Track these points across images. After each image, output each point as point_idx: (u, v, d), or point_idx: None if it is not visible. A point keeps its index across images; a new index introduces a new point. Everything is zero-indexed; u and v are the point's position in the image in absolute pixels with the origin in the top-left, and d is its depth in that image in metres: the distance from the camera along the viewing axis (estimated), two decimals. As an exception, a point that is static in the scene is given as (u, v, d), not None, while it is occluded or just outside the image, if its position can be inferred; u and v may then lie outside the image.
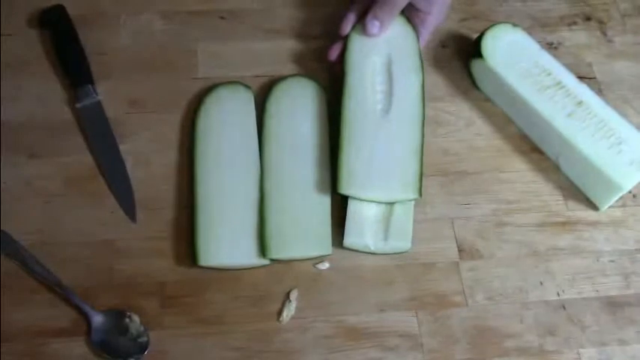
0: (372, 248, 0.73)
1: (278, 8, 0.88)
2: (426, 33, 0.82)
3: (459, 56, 0.86)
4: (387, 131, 0.74)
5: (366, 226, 0.73)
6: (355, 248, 0.73)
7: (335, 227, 0.73)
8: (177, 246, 0.72)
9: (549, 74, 0.79)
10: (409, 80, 0.78)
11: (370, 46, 0.79)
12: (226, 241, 0.71)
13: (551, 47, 0.87)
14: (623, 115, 0.78)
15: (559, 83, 0.78)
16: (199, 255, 0.70)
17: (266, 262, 0.71)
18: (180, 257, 0.71)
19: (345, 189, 0.72)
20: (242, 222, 0.72)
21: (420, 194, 0.73)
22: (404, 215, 0.74)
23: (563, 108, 0.77)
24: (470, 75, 0.84)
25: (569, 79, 0.79)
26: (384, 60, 0.78)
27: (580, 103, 0.77)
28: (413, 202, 0.75)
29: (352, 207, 0.73)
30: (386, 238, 0.73)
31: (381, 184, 0.72)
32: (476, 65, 0.82)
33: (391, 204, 0.74)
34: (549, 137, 0.78)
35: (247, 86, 0.80)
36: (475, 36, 0.84)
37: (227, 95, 0.79)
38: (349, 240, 0.72)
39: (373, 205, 0.74)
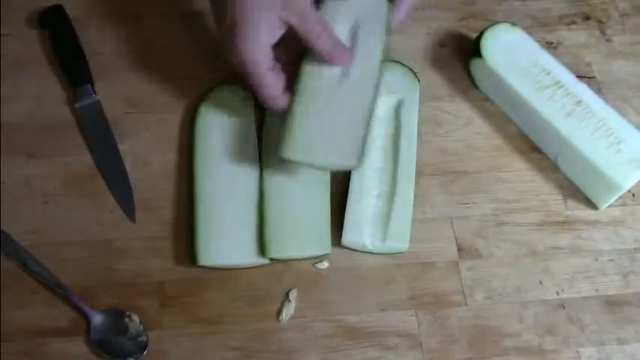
0: (370, 248, 0.73)
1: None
2: (406, 4, 0.78)
3: (457, 56, 0.86)
4: (341, 97, 0.71)
5: (364, 225, 0.73)
6: (353, 247, 0.73)
7: (334, 227, 0.73)
8: (177, 246, 0.72)
9: (548, 73, 0.79)
10: (370, 46, 0.74)
11: (339, 12, 0.74)
12: (225, 241, 0.71)
13: (550, 47, 0.87)
14: (623, 114, 0.78)
15: (558, 82, 0.78)
16: (199, 255, 0.70)
17: (265, 261, 0.71)
18: (180, 257, 0.71)
19: (284, 152, 0.69)
20: (241, 222, 0.72)
21: (359, 163, 0.69)
22: (402, 215, 0.74)
23: (562, 107, 0.77)
24: (469, 74, 0.84)
25: (569, 79, 0.79)
26: (351, 25, 0.74)
27: (579, 102, 0.77)
28: (412, 202, 0.75)
29: (351, 206, 0.74)
30: (384, 237, 0.73)
31: (320, 150, 0.69)
32: (475, 65, 0.82)
33: (390, 202, 0.74)
34: (548, 136, 0.78)
35: (247, 86, 0.80)
36: (474, 35, 0.84)
37: (226, 95, 0.79)
38: (347, 239, 0.72)
39: (372, 204, 0.74)
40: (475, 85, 0.84)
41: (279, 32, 0.69)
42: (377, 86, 0.73)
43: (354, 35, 0.74)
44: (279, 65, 0.71)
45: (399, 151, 0.77)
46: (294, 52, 0.72)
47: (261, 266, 0.72)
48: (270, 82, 0.69)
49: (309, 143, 0.69)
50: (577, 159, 0.76)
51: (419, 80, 0.82)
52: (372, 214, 0.75)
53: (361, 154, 0.70)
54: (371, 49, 0.74)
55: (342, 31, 0.72)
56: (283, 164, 0.71)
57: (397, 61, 0.83)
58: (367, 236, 0.73)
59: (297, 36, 0.69)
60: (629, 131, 0.76)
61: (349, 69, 0.72)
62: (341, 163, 0.70)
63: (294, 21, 0.68)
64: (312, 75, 0.71)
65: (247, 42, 0.67)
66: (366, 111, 0.71)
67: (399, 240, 0.73)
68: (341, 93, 0.71)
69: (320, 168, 0.71)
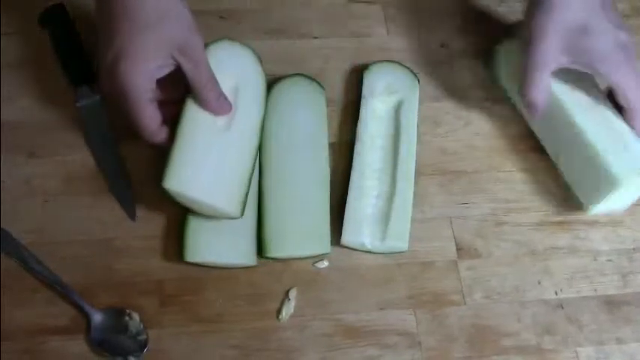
0: (369, 247, 0.73)
1: (277, 8, 0.88)
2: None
3: (458, 56, 0.86)
4: (222, 147, 0.71)
5: (364, 225, 0.74)
6: (352, 247, 0.73)
7: (334, 226, 0.74)
8: (177, 245, 0.72)
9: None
10: (250, 109, 0.75)
11: (222, 68, 0.74)
12: (216, 239, 0.71)
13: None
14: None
15: (580, 78, 0.77)
16: (186, 251, 0.70)
17: (254, 262, 0.72)
18: (179, 256, 0.71)
19: (165, 182, 0.67)
20: (235, 221, 0.72)
21: (240, 214, 0.70)
22: (402, 215, 0.74)
23: (580, 100, 0.76)
24: (489, 65, 0.84)
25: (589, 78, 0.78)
26: (233, 84, 0.74)
27: (596, 99, 0.77)
28: (411, 202, 0.75)
29: (351, 205, 0.74)
30: (383, 237, 0.73)
31: (201, 189, 0.68)
32: (506, 49, 0.82)
33: (389, 202, 0.74)
34: (558, 129, 0.77)
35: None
36: (473, 36, 0.84)
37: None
38: (346, 238, 0.73)
39: (371, 203, 0.75)
40: (477, 85, 0.84)
41: (166, 69, 0.70)
42: (256, 148, 0.74)
43: (235, 93, 0.74)
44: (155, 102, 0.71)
45: (399, 151, 0.77)
46: (172, 92, 0.72)
47: (260, 265, 0.72)
48: (150, 113, 0.70)
49: (192, 178, 0.68)
50: (583, 154, 0.74)
51: (419, 80, 0.82)
52: (371, 213, 0.75)
53: (243, 206, 0.70)
54: (251, 111, 0.75)
55: (224, 86, 0.73)
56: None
57: (397, 62, 0.84)
58: (367, 236, 0.73)
59: (179, 78, 0.70)
60: (633, 137, 0.75)
61: (231, 123, 0.73)
62: (222, 208, 0.69)
63: (187, 65, 0.69)
64: (195, 120, 0.71)
65: (135, 68, 0.68)
66: (247, 166, 0.72)
67: (399, 240, 0.73)
68: (222, 144, 0.72)
69: (198, 209, 0.70)
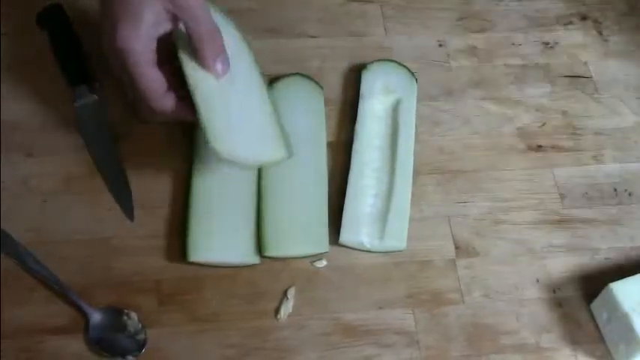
0: (368, 246, 0.73)
1: (275, 7, 0.88)
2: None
3: (455, 55, 0.87)
4: (236, 99, 0.70)
5: (362, 223, 0.74)
6: (351, 245, 0.73)
7: (332, 225, 0.74)
8: (175, 244, 0.72)
9: None
10: (246, 70, 0.73)
11: None
12: (217, 239, 0.71)
13: (547, 47, 0.88)
14: (618, 114, 0.79)
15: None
16: (189, 250, 0.70)
17: (256, 260, 0.72)
18: (178, 255, 0.71)
19: (215, 145, 0.65)
20: (235, 221, 0.72)
21: (290, 154, 0.70)
22: (400, 214, 0.74)
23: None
24: None
25: None
26: None
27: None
28: (409, 201, 0.75)
29: (349, 205, 0.74)
30: (381, 236, 0.73)
31: (248, 145, 0.68)
32: None
33: (387, 201, 0.74)
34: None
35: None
36: (471, 35, 0.84)
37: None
38: (345, 237, 0.73)
39: (370, 202, 0.75)
40: (475, 84, 0.84)
41: (164, 26, 0.66)
42: (265, 94, 0.73)
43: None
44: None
45: (397, 151, 0.77)
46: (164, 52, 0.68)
47: (259, 264, 0.72)
48: (152, 76, 0.66)
49: (234, 139, 0.67)
50: None
51: (417, 80, 0.82)
52: (369, 212, 0.75)
53: (289, 145, 0.70)
54: (248, 72, 0.73)
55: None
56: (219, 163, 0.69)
57: (395, 61, 0.84)
58: (365, 235, 0.73)
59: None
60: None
61: (233, 76, 0.70)
62: (272, 156, 0.69)
63: (183, 15, 0.65)
64: (199, 78, 0.68)
65: (128, 31, 0.64)
66: (268, 109, 0.71)
67: (397, 239, 0.73)
68: (234, 95, 0.70)
69: (248, 165, 0.69)
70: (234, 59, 0.70)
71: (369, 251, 0.73)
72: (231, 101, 0.69)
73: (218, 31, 0.67)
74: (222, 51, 0.68)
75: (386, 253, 0.74)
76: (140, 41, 0.65)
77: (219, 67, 0.68)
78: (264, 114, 0.71)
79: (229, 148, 0.66)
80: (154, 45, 0.66)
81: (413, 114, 0.80)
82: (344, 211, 0.73)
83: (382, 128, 0.80)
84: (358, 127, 0.78)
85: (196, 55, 0.67)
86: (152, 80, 0.66)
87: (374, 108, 0.80)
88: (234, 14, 0.86)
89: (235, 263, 0.72)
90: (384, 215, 0.74)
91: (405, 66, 0.83)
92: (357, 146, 0.77)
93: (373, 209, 0.75)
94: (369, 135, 0.79)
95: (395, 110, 0.80)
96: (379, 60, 0.84)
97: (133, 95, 0.68)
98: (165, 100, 0.67)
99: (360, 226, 0.74)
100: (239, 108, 0.69)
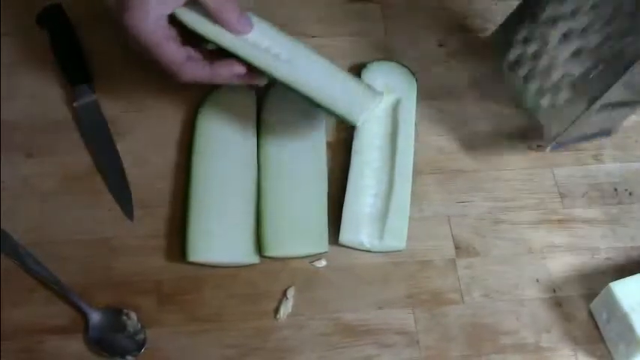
0: (368, 246, 0.73)
1: (276, 7, 0.88)
2: None
3: (455, 55, 0.86)
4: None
5: (361, 223, 0.74)
6: (350, 245, 0.73)
7: (332, 225, 0.74)
8: (174, 244, 0.72)
9: None
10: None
11: None
12: (217, 239, 0.71)
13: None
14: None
15: None
16: (188, 250, 0.70)
17: (256, 260, 0.72)
18: (177, 255, 0.71)
19: None
20: (235, 221, 0.72)
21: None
22: (400, 214, 0.74)
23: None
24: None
25: None
26: None
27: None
28: (409, 201, 0.75)
29: (349, 204, 0.74)
30: (381, 236, 0.73)
31: None
32: None
33: (387, 200, 0.74)
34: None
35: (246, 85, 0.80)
36: (473, 34, 0.84)
37: (227, 95, 0.79)
38: (344, 237, 0.73)
39: (369, 202, 0.75)
40: (475, 84, 0.84)
41: (173, 2, 0.68)
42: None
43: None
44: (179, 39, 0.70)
45: (397, 150, 0.77)
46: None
47: (258, 264, 0.72)
48: (170, 49, 0.68)
49: None
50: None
51: (417, 79, 0.82)
52: (369, 212, 0.75)
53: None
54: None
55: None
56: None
57: (395, 61, 0.84)
58: (365, 235, 0.73)
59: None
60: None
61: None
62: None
63: None
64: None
65: (136, 11, 0.66)
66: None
67: (397, 238, 0.73)
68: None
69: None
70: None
71: (368, 251, 0.73)
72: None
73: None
74: (241, 13, 0.70)
75: (386, 253, 0.74)
76: (148, 21, 0.66)
77: (241, 26, 0.70)
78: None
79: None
80: (164, 22, 0.68)
81: (413, 113, 0.80)
82: (343, 211, 0.73)
83: (382, 128, 0.80)
84: (358, 126, 0.78)
85: (220, 21, 0.69)
86: (170, 54, 0.68)
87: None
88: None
89: (235, 263, 0.72)
90: (383, 215, 0.74)
91: (405, 65, 0.83)
92: (356, 146, 0.77)
93: (373, 209, 0.75)
94: (368, 135, 0.78)
95: (395, 110, 0.80)
96: (379, 60, 0.83)
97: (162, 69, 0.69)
98: (188, 69, 0.69)
99: (360, 226, 0.73)
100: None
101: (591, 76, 0.71)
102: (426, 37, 0.88)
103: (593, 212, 0.78)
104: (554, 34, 0.74)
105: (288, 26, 0.86)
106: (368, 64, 0.83)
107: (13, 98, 0.79)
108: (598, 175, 0.81)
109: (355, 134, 0.78)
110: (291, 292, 0.71)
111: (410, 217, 0.75)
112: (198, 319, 0.69)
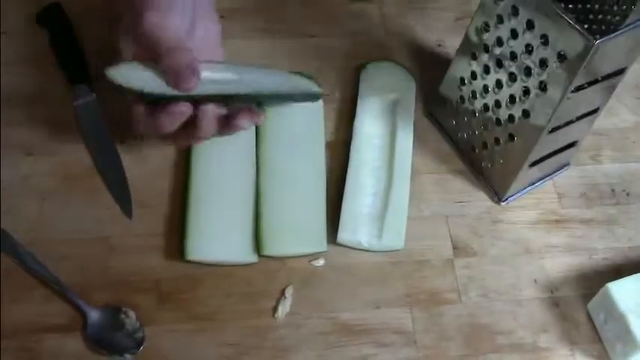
0: (366, 245, 0.73)
1: (276, 7, 0.88)
2: None
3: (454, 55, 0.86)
4: None
5: (360, 223, 0.74)
6: (349, 245, 0.73)
7: (330, 224, 0.74)
8: (173, 242, 0.72)
9: None
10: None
11: None
12: (216, 237, 0.71)
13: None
14: (617, 113, 0.79)
15: None
16: (187, 249, 0.70)
17: (255, 259, 0.72)
18: (176, 254, 0.71)
19: None
20: (234, 219, 0.73)
21: None
22: (398, 213, 0.74)
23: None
24: None
25: None
26: None
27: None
28: (407, 200, 0.75)
29: (347, 204, 0.74)
30: (380, 235, 0.73)
31: None
32: None
33: (386, 200, 0.74)
34: None
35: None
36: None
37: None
38: (343, 236, 0.73)
39: (368, 202, 0.75)
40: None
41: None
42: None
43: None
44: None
45: (395, 150, 0.77)
46: None
47: (256, 263, 0.72)
48: (188, 54, 0.63)
49: None
50: None
51: (415, 79, 0.82)
52: (368, 212, 0.75)
53: None
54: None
55: None
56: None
57: (393, 61, 0.84)
58: (363, 234, 0.73)
59: None
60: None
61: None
62: None
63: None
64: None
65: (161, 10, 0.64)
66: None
67: (395, 238, 0.74)
68: None
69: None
70: None
71: (367, 250, 0.74)
72: None
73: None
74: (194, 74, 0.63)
75: (384, 252, 0.74)
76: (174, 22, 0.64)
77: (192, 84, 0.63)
78: None
79: None
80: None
81: (411, 113, 0.80)
82: (342, 211, 0.74)
83: (381, 127, 0.80)
84: (357, 126, 0.79)
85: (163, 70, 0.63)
86: (184, 57, 0.63)
87: (372, 107, 0.81)
88: (234, 13, 0.87)
89: (233, 262, 0.72)
90: (382, 214, 0.74)
91: (403, 66, 0.83)
92: (355, 145, 0.78)
93: (371, 209, 0.75)
94: (367, 134, 0.79)
95: (393, 110, 0.80)
96: (378, 60, 0.84)
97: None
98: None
99: (358, 226, 0.74)
100: None
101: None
102: (426, 37, 0.88)
103: (590, 213, 0.78)
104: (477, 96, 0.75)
105: (287, 26, 0.87)
106: (366, 64, 0.83)
107: (13, 97, 0.79)
108: (596, 176, 0.81)
109: (354, 134, 0.78)
110: (289, 291, 0.71)
111: (408, 217, 0.75)
112: (196, 317, 0.69)
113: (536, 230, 0.77)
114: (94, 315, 0.68)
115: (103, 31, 0.84)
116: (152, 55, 0.63)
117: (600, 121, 0.83)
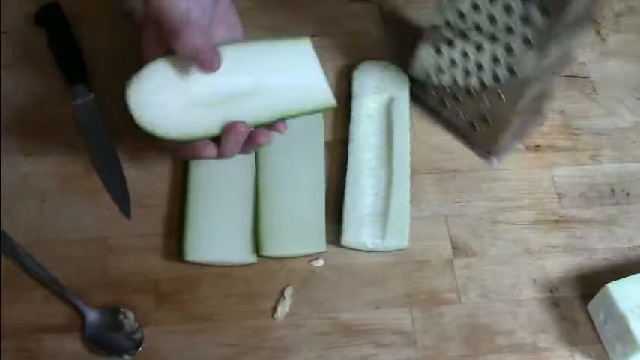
0: (370, 246, 0.73)
1: (274, 7, 0.88)
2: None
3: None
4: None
5: (363, 224, 0.74)
6: (353, 247, 0.73)
7: (329, 224, 0.74)
8: (172, 243, 0.72)
9: None
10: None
11: None
12: (214, 238, 0.71)
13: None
14: (616, 114, 0.78)
15: None
16: (186, 250, 0.70)
17: (254, 259, 0.72)
18: (175, 254, 0.71)
19: None
20: (232, 219, 0.72)
21: None
22: (400, 212, 0.74)
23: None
24: None
25: None
26: None
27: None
28: (409, 199, 0.75)
29: (349, 205, 0.74)
30: (383, 236, 0.73)
31: None
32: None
33: (387, 200, 0.74)
34: None
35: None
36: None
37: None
38: (347, 239, 0.73)
39: (369, 202, 0.75)
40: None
41: None
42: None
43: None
44: None
45: (393, 148, 0.77)
46: None
47: (256, 263, 0.72)
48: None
49: None
50: None
51: (410, 78, 0.82)
52: (369, 212, 0.75)
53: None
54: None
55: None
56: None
57: (385, 60, 0.84)
58: (367, 235, 0.73)
59: None
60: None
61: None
62: None
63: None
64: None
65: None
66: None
67: (399, 237, 0.73)
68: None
69: None
70: None
71: (371, 251, 0.73)
72: None
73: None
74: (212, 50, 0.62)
75: (388, 252, 0.74)
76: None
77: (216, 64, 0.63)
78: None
79: None
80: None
81: (407, 111, 0.80)
82: (344, 213, 0.73)
83: (377, 127, 0.80)
84: (353, 126, 0.79)
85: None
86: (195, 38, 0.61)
87: (368, 107, 0.80)
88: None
89: (232, 262, 0.72)
90: (384, 214, 0.74)
91: (395, 64, 0.83)
92: (353, 146, 0.77)
93: (373, 209, 0.75)
94: (364, 134, 0.79)
95: (388, 108, 0.80)
96: (370, 59, 0.84)
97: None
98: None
99: (362, 227, 0.73)
100: None
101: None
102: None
103: (590, 213, 0.78)
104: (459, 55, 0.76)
105: (286, 26, 0.87)
106: (359, 64, 0.83)
107: (12, 97, 0.79)
108: (595, 176, 0.81)
109: (351, 134, 0.78)
110: (288, 292, 0.71)
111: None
112: (195, 318, 0.69)
113: (536, 230, 0.77)
114: (92, 316, 0.68)
115: (101, 31, 0.84)
116: (167, 38, 0.61)
117: (600, 121, 0.84)
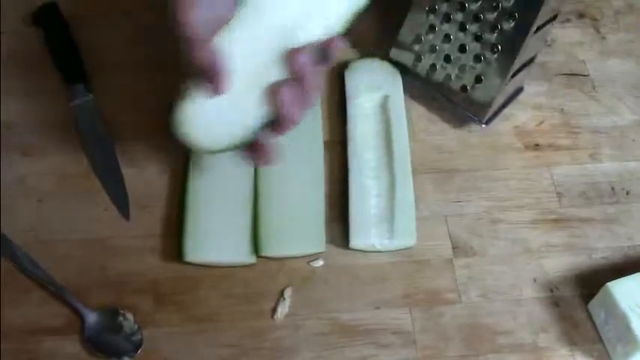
0: (379, 247, 0.73)
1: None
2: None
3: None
4: None
5: (370, 226, 0.73)
6: (362, 249, 0.73)
7: (328, 225, 0.74)
8: (171, 244, 0.72)
9: None
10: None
11: None
12: (214, 238, 0.71)
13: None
14: (616, 112, 0.78)
15: None
16: (185, 251, 0.70)
17: (253, 260, 0.72)
18: (174, 255, 0.71)
19: None
20: (232, 220, 0.72)
21: None
22: (405, 211, 0.74)
23: None
24: None
25: None
26: None
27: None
28: (413, 196, 0.75)
29: (354, 208, 0.73)
30: (391, 236, 0.73)
31: None
32: None
33: (391, 199, 0.74)
34: None
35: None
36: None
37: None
38: (355, 241, 0.72)
39: (373, 203, 0.74)
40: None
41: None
42: None
43: None
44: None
45: (393, 146, 0.77)
46: None
47: (255, 264, 0.72)
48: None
49: None
50: None
51: (402, 74, 0.82)
52: (375, 213, 0.74)
53: None
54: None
55: None
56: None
57: (376, 58, 0.84)
58: (375, 236, 0.73)
59: None
60: None
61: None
62: None
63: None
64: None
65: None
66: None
67: (406, 236, 0.73)
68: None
69: None
70: None
71: (379, 252, 0.73)
72: None
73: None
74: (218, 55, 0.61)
75: (396, 251, 0.73)
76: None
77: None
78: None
79: None
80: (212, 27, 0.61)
81: (402, 108, 0.80)
82: (350, 216, 0.73)
83: (374, 126, 0.79)
84: (350, 127, 0.78)
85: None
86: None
87: (363, 106, 0.80)
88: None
89: (232, 263, 0.71)
90: (389, 214, 0.74)
91: (386, 61, 0.83)
92: (352, 147, 0.77)
93: (377, 210, 0.75)
94: (362, 135, 0.78)
95: (384, 107, 0.80)
96: (360, 58, 0.83)
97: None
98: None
99: (369, 229, 0.73)
100: None
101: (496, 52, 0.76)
102: (424, 35, 0.87)
103: (590, 212, 0.78)
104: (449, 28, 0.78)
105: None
106: (350, 64, 0.83)
107: (9, 97, 0.79)
108: (595, 175, 0.81)
109: (349, 135, 0.78)
110: (288, 292, 0.71)
111: (409, 216, 0.75)
112: (194, 319, 0.69)
113: (536, 229, 0.76)
114: (91, 317, 0.68)
115: (100, 31, 0.84)
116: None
117: (600, 120, 0.84)
